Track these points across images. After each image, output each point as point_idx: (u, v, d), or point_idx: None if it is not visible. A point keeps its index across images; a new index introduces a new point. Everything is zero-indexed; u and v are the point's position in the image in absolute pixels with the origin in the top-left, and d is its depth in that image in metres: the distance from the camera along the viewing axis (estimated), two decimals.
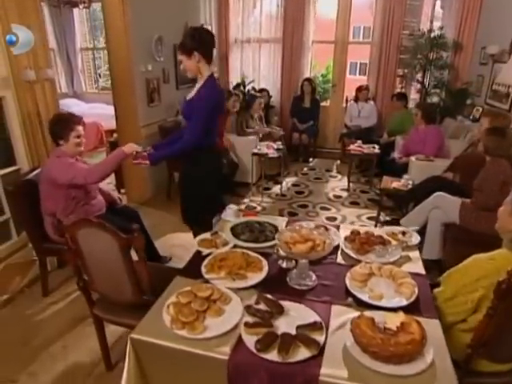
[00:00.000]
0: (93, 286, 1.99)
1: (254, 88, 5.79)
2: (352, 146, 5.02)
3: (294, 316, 1.51)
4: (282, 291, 1.69)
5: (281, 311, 1.52)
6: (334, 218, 4.14)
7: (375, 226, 3.91)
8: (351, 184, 5.03)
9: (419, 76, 5.59)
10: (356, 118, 5.67)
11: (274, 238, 2.05)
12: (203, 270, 1.77)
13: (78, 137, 2.56)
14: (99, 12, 7.73)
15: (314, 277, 1.78)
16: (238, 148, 4.72)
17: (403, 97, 5.44)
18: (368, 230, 2.20)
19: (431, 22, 5.46)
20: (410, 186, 3.69)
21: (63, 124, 2.52)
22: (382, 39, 5.69)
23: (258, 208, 4.36)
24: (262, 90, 5.68)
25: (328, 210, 4.35)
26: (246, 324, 1.42)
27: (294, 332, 1.40)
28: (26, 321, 2.65)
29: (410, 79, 5.86)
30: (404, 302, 1.59)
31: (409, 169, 4.11)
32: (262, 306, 1.55)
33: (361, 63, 10.10)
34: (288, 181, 5.12)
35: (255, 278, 1.74)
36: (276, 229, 2.15)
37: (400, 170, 4.24)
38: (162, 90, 4.60)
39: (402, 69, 5.85)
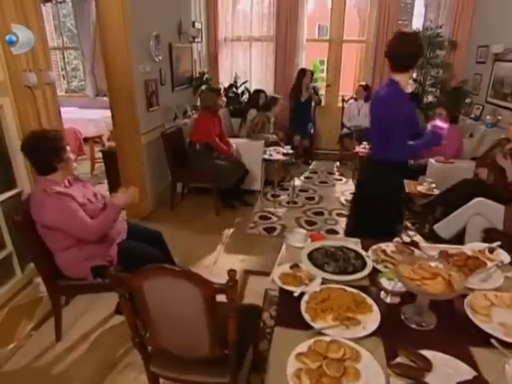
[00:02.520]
0: (153, 342, 1.62)
1: (261, 90, 5.45)
2: (358, 148, 4.86)
3: (445, 371, 1.25)
4: (405, 335, 1.43)
5: (429, 366, 1.25)
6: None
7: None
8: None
9: (415, 75, 5.51)
10: (356, 117, 5.51)
11: (362, 267, 1.79)
12: (306, 316, 1.46)
13: (69, 152, 2.14)
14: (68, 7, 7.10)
15: (430, 313, 1.53)
16: (244, 153, 4.39)
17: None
18: (454, 249, 1.98)
19: (430, 20, 5.39)
20: (434, 189, 3.55)
21: (61, 141, 2.08)
22: (377, 38, 5.56)
23: (274, 218, 4.06)
24: (258, 91, 5.37)
25: (345, 216, 4.14)
26: None
27: None
28: (39, 374, 2.21)
29: None
30: None
31: (428, 171, 3.98)
32: (401, 360, 1.28)
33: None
34: (295, 186, 4.86)
35: (369, 321, 1.45)
36: (357, 254, 1.88)
37: (413, 172, 4.11)
38: (159, 93, 4.18)
39: None
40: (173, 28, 4.50)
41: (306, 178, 5.27)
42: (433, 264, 1.54)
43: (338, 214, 4.19)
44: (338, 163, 5.73)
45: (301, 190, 4.76)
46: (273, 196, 4.58)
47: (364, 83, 5.56)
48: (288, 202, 4.44)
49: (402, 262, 1.53)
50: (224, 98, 4.82)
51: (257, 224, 3.93)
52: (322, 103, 6.18)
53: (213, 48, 5.90)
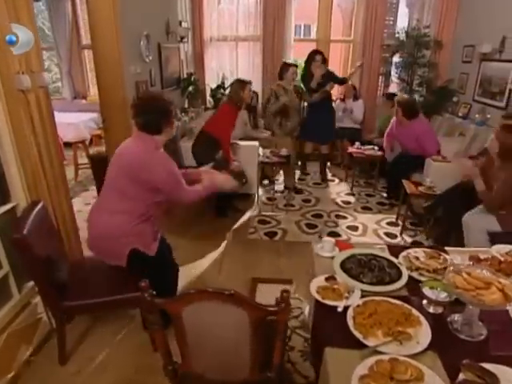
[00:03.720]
0: (186, 367, 1.49)
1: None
2: (351, 149, 4.84)
3: None
4: (459, 348, 1.37)
5: (497, 381, 1.19)
6: (356, 227, 3.89)
7: (400, 234, 3.74)
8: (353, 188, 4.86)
9: (403, 74, 5.56)
10: (343, 117, 5.47)
11: (398, 276, 1.72)
12: (357, 334, 1.37)
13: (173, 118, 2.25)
14: (38, 6, 6.75)
15: (479, 323, 1.47)
16: (239, 155, 4.25)
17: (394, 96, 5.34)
18: (482, 252, 1.94)
19: (417, 20, 5.44)
20: (435, 189, 3.56)
21: (171, 109, 2.18)
22: (364, 37, 5.56)
23: (273, 222, 3.97)
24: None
25: (345, 218, 4.10)
26: None
27: None
28: None
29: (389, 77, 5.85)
30: None
31: (425, 171, 3.99)
32: (466, 376, 1.21)
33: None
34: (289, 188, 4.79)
35: (421, 335, 1.38)
36: (390, 262, 1.82)
37: (405, 170, 4.13)
38: None
39: (383, 67, 5.79)
40: (161, 27, 4.34)
41: (300, 179, 5.19)
42: (478, 271, 1.48)
43: (337, 216, 4.13)
44: (328, 164, 5.68)
45: (296, 193, 4.68)
46: (269, 199, 4.48)
47: (351, 84, 5.52)
48: (285, 205, 4.35)
49: (449, 272, 1.46)
50: (252, 93, 4.28)
51: (257, 229, 3.83)
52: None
53: (199, 48, 5.74)
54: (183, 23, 5.01)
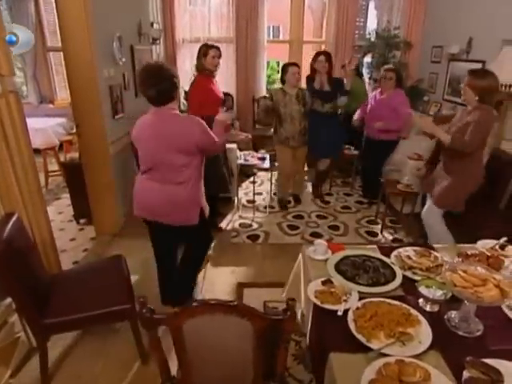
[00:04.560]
0: (184, 381, 1.43)
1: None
2: None
3: None
4: (459, 345, 1.39)
5: (501, 376, 1.20)
6: (337, 227, 3.92)
7: (381, 231, 3.80)
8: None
9: (375, 75, 5.66)
10: None
11: (393, 277, 1.73)
12: (360, 337, 1.36)
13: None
14: None
15: (476, 319, 1.49)
16: None
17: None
18: (469, 248, 1.98)
19: (388, 21, 5.55)
20: (413, 187, 3.64)
21: (175, 78, 2.19)
22: (336, 38, 5.63)
23: (255, 225, 3.93)
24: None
25: (325, 218, 4.12)
26: None
27: None
28: None
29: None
30: None
31: (404, 171, 4.07)
32: (470, 373, 1.22)
33: None
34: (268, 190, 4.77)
35: (422, 334, 1.39)
36: (383, 262, 1.82)
37: (375, 167, 4.22)
38: (124, 99, 3.87)
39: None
40: (133, 29, 4.21)
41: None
42: (472, 268, 1.51)
43: (318, 216, 4.15)
44: None
45: (275, 194, 4.66)
46: (248, 202, 4.45)
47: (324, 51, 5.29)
48: (265, 207, 4.33)
49: (446, 270, 1.48)
50: (218, 60, 3.50)
51: (239, 232, 3.78)
52: None
53: (171, 50, 5.63)
54: (155, 24, 4.90)
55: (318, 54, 4.07)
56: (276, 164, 4.30)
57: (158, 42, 5.01)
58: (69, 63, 3.15)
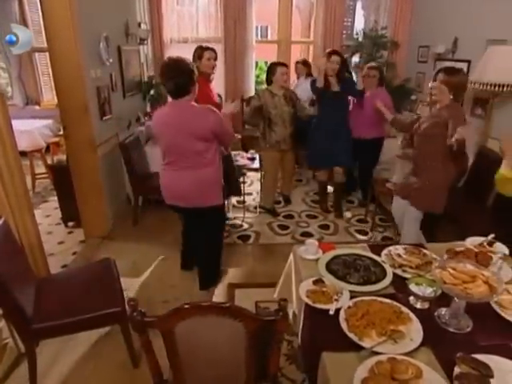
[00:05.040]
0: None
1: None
2: None
3: (506, 374, 1.22)
4: (449, 341, 1.40)
5: (490, 371, 1.22)
6: (327, 226, 3.94)
7: (371, 230, 3.83)
8: None
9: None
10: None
11: (383, 275, 1.74)
12: (352, 336, 1.36)
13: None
14: None
15: (466, 315, 1.51)
16: None
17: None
18: (458, 246, 2.01)
19: (375, 21, 5.60)
20: None
21: (192, 73, 2.36)
22: (324, 38, 5.66)
23: (245, 225, 3.93)
24: None
25: (315, 217, 4.13)
26: None
27: None
28: None
29: None
30: None
31: (393, 169, 4.11)
32: (460, 369, 1.23)
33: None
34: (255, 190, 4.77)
35: (413, 331, 1.40)
36: (374, 261, 1.83)
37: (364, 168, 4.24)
38: (112, 100, 3.83)
39: None
40: (120, 29, 4.17)
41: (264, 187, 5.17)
42: (461, 265, 1.52)
43: (308, 216, 4.16)
44: None
45: (262, 208, 4.61)
46: (238, 202, 4.44)
47: (301, 59, 5.30)
48: (255, 207, 4.33)
49: (436, 268, 1.49)
50: (214, 62, 3.45)
51: (230, 233, 3.77)
52: None
53: (158, 50, 5.59)
54: (142, 25, 4.86)
55: (330, 54, 3.80)
56: (262, 172, 4.24)
57: (145, 42, 4.97)
58: (55, 64, 3.11)
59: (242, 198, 4.37)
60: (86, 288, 2.21)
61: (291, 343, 2.36)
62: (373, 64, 4.25)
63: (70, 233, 3.82)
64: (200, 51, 3.39)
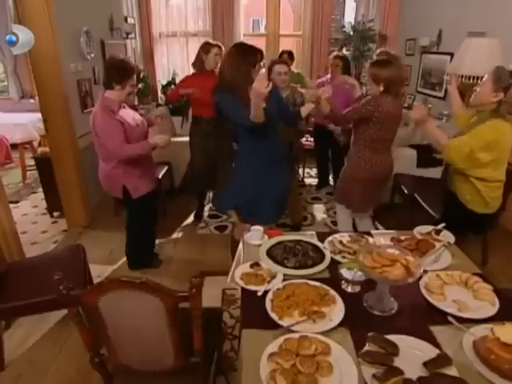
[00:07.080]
0: (113, 360, 1.51)
1: None
2: (302, 141, 4.94)
3: (412, 353, 1.29)
4: (370, 323, 1.47)
5: (396, 350, 1.29)
6: (305, 217, 4.00)
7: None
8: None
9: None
10: None
11: (321, 260, 1.81)
12: (273, 315, 1.44)
13: (132, 86, 2.59)
14: None
15: (391, 298, 1.58)
16: (187, 153, 4.06)
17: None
18: (404, 234, 2.06)
19: (362, 15, 5.60)
20: None
21: (127, 70, 2.49)
22: (312, 32, 5.68)
23: (224, 216, 4.01)
24: None
25: None
26: (379, 378, 1.16)
27: (422, 373, 1.21)
28: None
29: None
30: (495, 310, 1.49)
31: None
32: (370, 347, 1.30)
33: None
34: None
35: (335, 313, 1.47)
36: (315, 247, 1.90)
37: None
38: (94, 93, 3.93)
39: None
40: (104, 24, 4.25)
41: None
42: (390, 250, 1.58)
43: None
44: None
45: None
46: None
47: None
48: None
49: (361, 252, 1.56)
50: (219, 58, 3.38)
51: (207, 224, 3.86)
52: None
53: (148, 44, 5.67)
54: (129, 19, 4.94)
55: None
56: None
57: (132, 36, 5.05)
58: (33, 58, 3.20)
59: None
60: (53, 272, 2.31)
61: None
62: (338, 53, 4.19)
63: (54, 222, 3.94)
64: (207, 47, 3.41)
